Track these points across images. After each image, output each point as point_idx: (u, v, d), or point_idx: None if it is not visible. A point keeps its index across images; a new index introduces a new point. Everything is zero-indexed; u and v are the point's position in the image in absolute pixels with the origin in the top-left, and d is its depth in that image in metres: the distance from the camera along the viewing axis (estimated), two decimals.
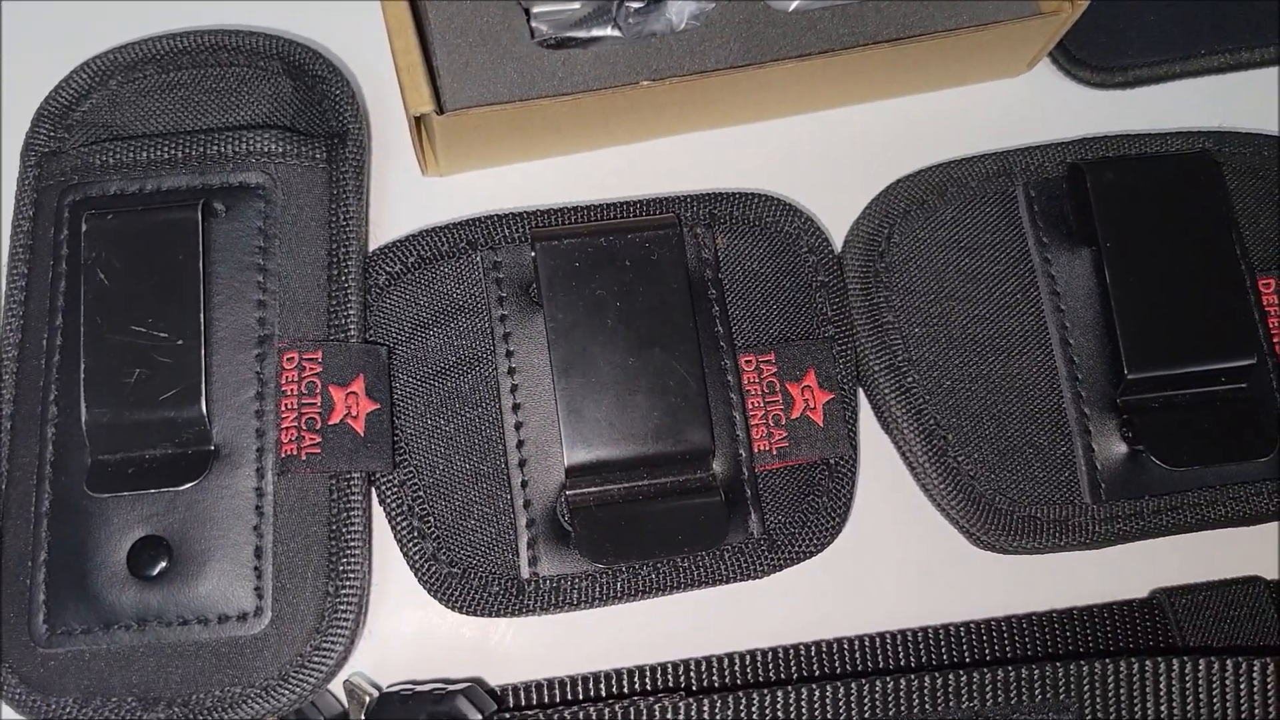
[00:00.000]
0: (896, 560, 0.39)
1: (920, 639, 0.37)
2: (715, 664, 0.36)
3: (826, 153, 0.42)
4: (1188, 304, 0.38)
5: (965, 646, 0.37)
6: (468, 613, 0.35)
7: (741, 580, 0.36)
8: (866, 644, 0.37)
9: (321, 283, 0.36)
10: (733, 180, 0.41)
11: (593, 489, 0.35)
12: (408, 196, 0.40)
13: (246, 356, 0.34)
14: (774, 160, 0.42)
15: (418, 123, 0.38)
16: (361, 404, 0.35)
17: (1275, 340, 0.39)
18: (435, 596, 0.35)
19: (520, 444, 0.36)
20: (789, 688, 0.33)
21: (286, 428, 0.34)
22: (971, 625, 0.38)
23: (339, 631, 0.33)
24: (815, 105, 0.42)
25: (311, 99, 0.38)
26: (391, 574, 0.37)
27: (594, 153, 0.42)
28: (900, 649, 0.37)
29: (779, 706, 0.32)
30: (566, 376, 0.35)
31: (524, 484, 0.36)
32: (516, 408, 0.36)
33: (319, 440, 0.34)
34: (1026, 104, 0.44)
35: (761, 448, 0.36)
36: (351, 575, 0.34)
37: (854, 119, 0.43)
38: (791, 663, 0.36)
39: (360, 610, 0.34)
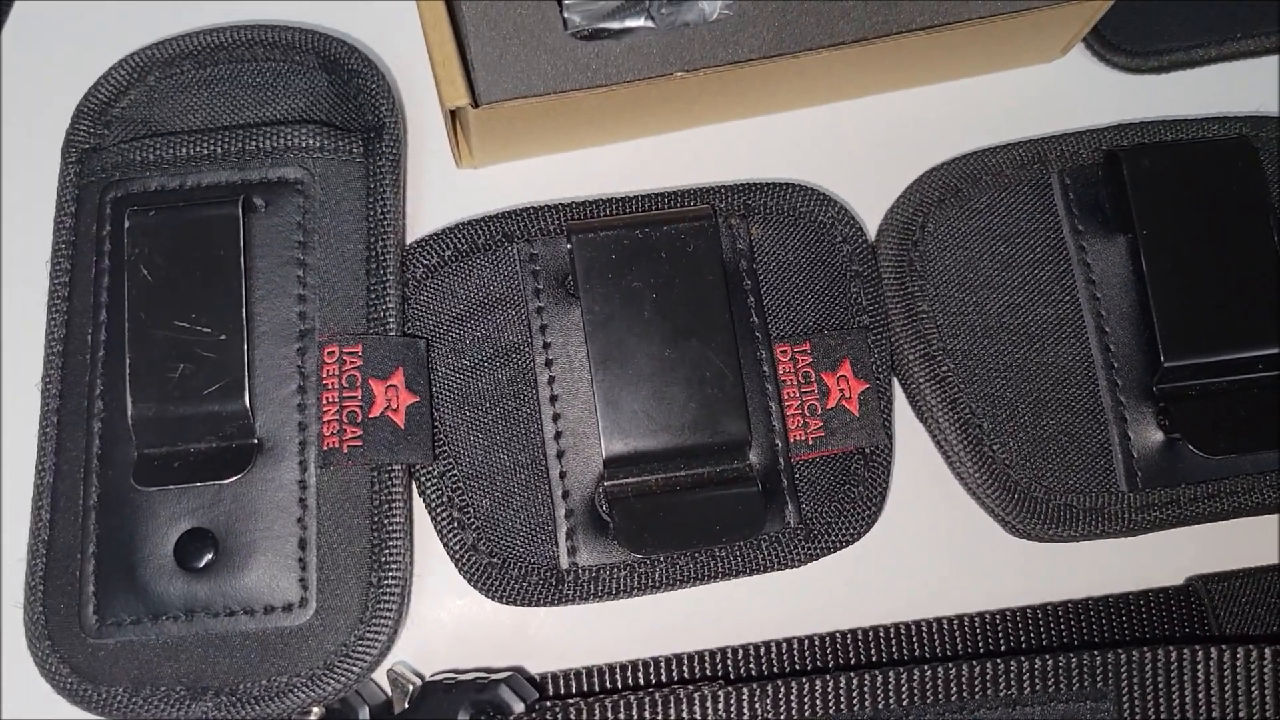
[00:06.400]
0: (933, 549, 0.39)
1: (957, 627, 0.38)
2: (753, 652, 0.37)
3: (860, 141, 0.42)
4: (1225, 291, 0.38)
5: (1002, 634, 0.38)
6: (507, 602, 0.35)
7: (779, 569, 0.36)
8: (904, 632, 0.37)
9: (360, 276, 0.36)
10: (767, 170, 0.41)
11: (630, 480, 0.35)
12: (443, 189, 0.41)
13: (288, 350, 0.35)
14: (808, 149, 0.42)
15: (453, 116, 0.38)
16: (401, 397, 0.35)
17: None
18: (475, 586, 0.35)
19: (558, 435, 0.36)
20: (827, 676, 0.33)
21: (328, 421, 0.34)
22: (1008, 613, 0.38)
23: (383, 621, 0.34)
24: (849, 94, 0.42)
25: (347, 93, 0.38)
26: (433, 564, 0.37)
27: (628, 144, 0.42)
28: (938, 637, 0.37)
29: (817, 695, 0.33)
30: (604, 368, 0.36)
31: (562, 475, 0.36)
32: (554, 399, 0.36)
33: (360, 433, 0.34)
34: (1061, 90, 0.44)
35: (798, 438, 0.37)
36: (394, 566, 0.34)
37: (888, 107, 0.43)
38: (829, 651, 0.37)
39: (403, 600, 0.34)
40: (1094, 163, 0.40)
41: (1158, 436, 0.38)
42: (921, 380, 0.38)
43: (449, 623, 0.37)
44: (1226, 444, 0.37)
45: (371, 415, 0.35)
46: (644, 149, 0.42)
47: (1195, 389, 0.38)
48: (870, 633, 0.37)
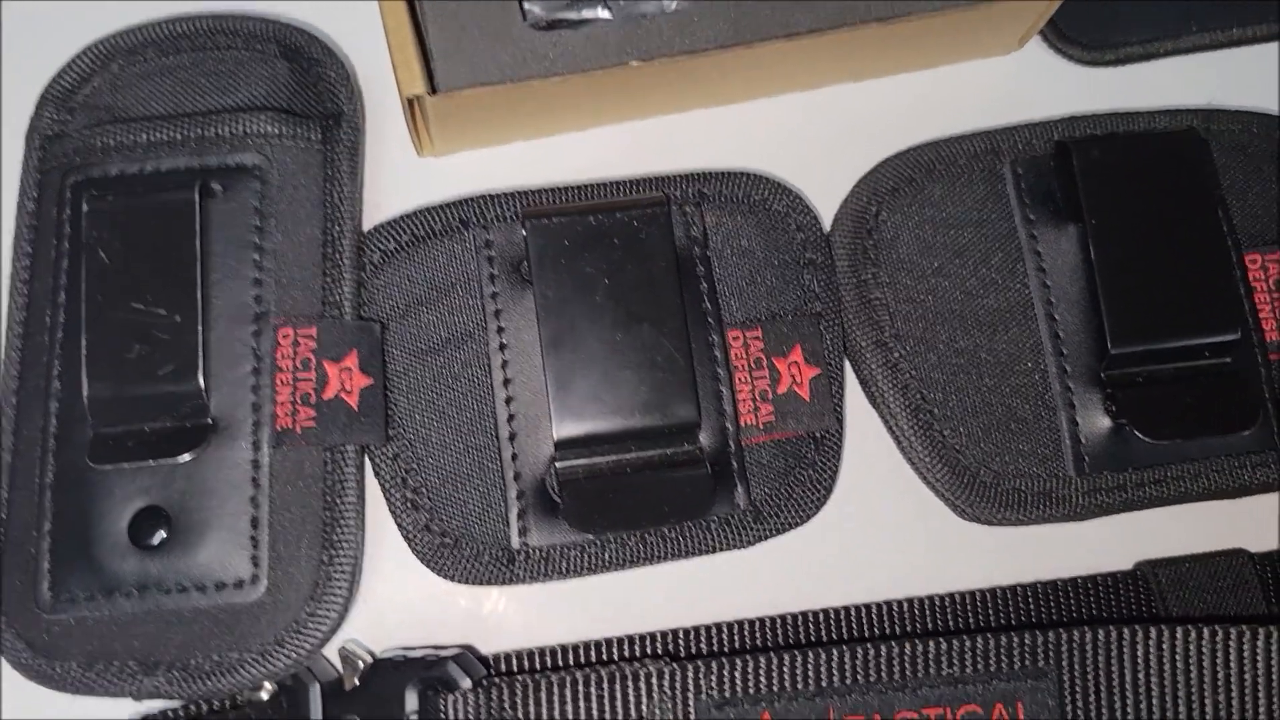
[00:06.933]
0: (883, 532, 0.39)
1: (905, 609, 0.38)
2: (703, 633, 0.37)
3: (817, 131, 0.43)
4: (1172, 279, 0.38)
5: (949, 617, 0.38)
6: (460, 581, 0.36)
7: (728, 550, 0.37)
8: (852, 614, 0.38)
9: (317, 261, 0.37)
10: (724, 159, 0.42)
11: (581, 461, 0.36)
12: (404, 177, 0.41)
13: (243, 332, 0.35)
14: (764, 139, 0.42)
15: (411, 104, 0.38)
16: (355, 379, 0.36)
17: (1261, 315, 0.39)
18: (428, 565, 0.36)
19: (511, 418, 0.37)
20: (770, 653, 0.33)
21: (282, 402, 0.35)
22: (956, 596, 0.38)
23: (333, 598, 0.34)
24: (805, 84, 0.43)
25: (307, 81, 0.39)
26: (387, 544, 0.37)
27: (588, 132, 0.42)
28: (886, 619, 0.38)
29: (760, 672, 0.33)
30: (555, 351, 0.36)
31: (514, 456, 0.36)
32: (508, 382, 0.37)
33: (314, 414, 0.35)
34: (1017, 82, 0.44)
35: (748, 421, 0.37)
36: (345, 545, 0.35)
37: (844, 97, 0.43)
38: (777, 632, 0.37)
39: (354, 578, 0.35)
40: (1046, 153, 0.40)
41: (1105, 422, 0.38)
42: (874, 366, 0.39)
43: (403, 602, 0.37)
44: (1171, 429, 0.38)
45: (325, 397, 0.35)
46: (604, 137, 0.42)
47: (1142, 376, 0.38)
48: (819, 615, 0.38)
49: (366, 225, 0.39)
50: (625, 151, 0.42)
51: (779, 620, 0.37)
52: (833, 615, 0.38)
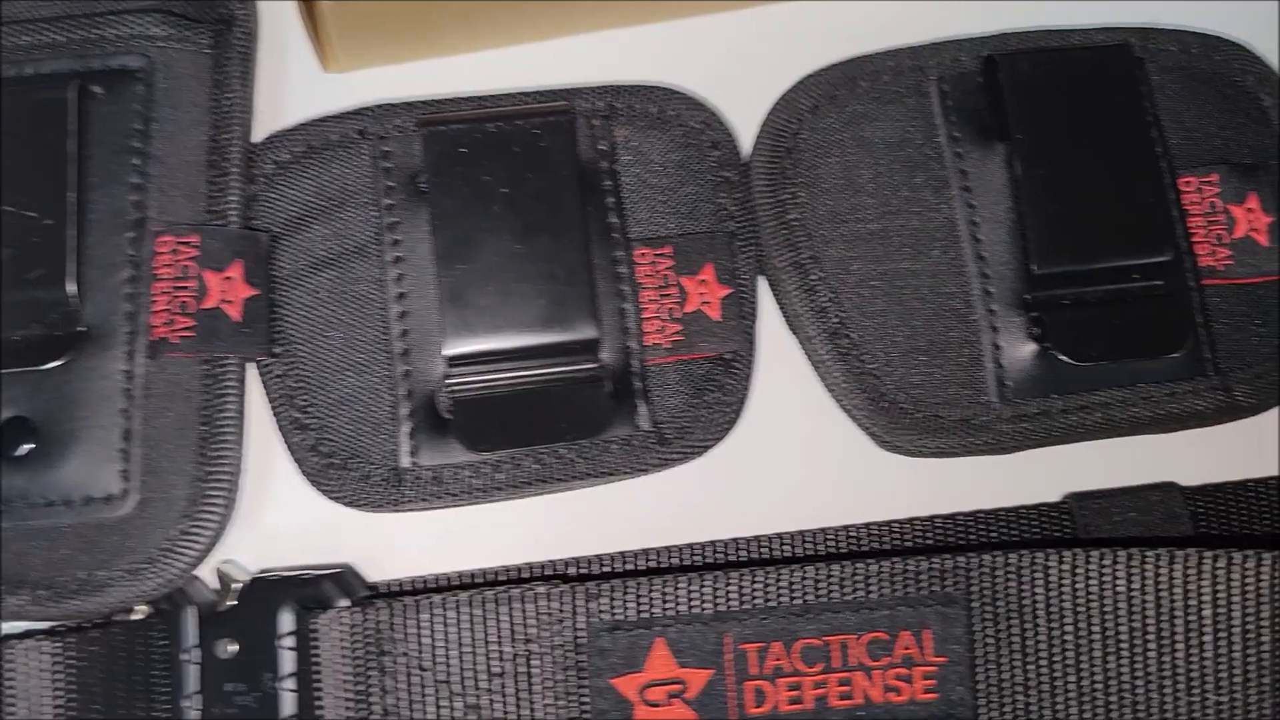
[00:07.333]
0: (798, 461, 0.38)
1: (817, 539, 0.37)
2: (605, 560, 0.36)
3: (743, 50, 0.41)
4: (1101, 200, 0.37)
5: (860, 546, 0.36)
6: (348, 504, 0.34)
7: (629, 474, 0.35)
8: (757, 543, 0.36)
9: (202, 168, 0.35)
10: (644, 78, 0.40)
11: (475, 380, 0.34)
12: (309, 91, 0.39)
13: (120, 239, 0.34)
14: (687, 58, 0.40)
15: (310, 12, 0.37)
16: (238, 289, 0.34)
17: (1195, 239, 0.38)
18: (316, 486, 0.35)
19: (405, 333, 0.35)
20: (666, 576, 0.32)
21: (158, 311, 0.33)
22: (872, 526, 0.37)
23: (209, 516, 0.33)
24: (729, 3, 0.41)
25: None
26: (279, 465, 0.36)
27: (505, 50, 0.41)
28: (792, 548, 0.36)
29: (654, 592, 0.32)
30: (449, 265, 0.35)
31: (407, 374, 0.35)
32: (401, 297, 0.35)
33: (192, 324, 0.33)
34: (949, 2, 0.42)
35: (654, 340, 0.36)
36: (224, 460, 0.33)
37: (773, 15, 0.41)
38: (679, 561, 0.36)
39: (232, 495, 0.33)
40: (975, 70, 0.39)
41: (1030, 346, 0.37)
42: (791, 288, 0.37)
43: (293, 525, 0.36)
44: (1097, 351, 0.36)
45: (204, 306, 0.34)
46: (522, 55, 0.41)
47: (1069, 298, 0.37)
48: (724, 544, 0.36)
49: None
50: (546, 68, 0.40)
51: (681, 549, 0.36)
52: (740, 544, 0.36)
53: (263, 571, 0.34)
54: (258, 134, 0.38)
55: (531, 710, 0.31)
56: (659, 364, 0.36)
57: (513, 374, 0.34)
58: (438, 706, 0.31)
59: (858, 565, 0.32)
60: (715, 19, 0.41)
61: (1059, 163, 0.37)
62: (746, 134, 0.39)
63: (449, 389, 0.34)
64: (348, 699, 0.31)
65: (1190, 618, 0.31)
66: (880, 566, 0.32)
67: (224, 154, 0.35)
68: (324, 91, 0.40)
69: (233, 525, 0.34)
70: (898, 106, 0.39)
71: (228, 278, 0.34)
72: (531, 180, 0.35)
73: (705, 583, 0.32)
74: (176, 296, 0.33)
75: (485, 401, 0.34)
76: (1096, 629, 0.32)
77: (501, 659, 0.31)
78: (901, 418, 0.36)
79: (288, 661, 0.32)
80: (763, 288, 0.38)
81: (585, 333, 0.34)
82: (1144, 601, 0.32)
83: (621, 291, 0.36)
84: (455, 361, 0.34)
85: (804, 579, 0.32)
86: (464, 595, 0.32)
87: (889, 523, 0.37)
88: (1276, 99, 0.40)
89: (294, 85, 0.40)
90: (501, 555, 0.36)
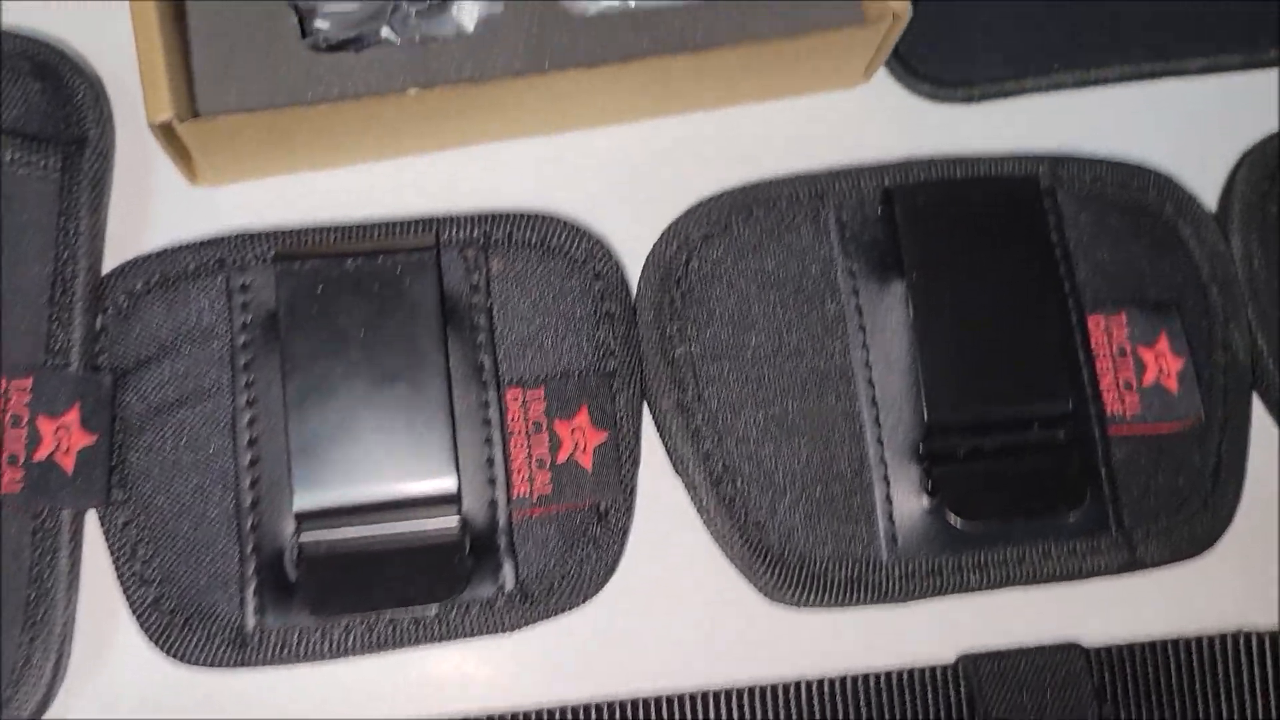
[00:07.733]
0: (683, 613, 0.36)
1: (699, 703, 0.34)
2: None
3: (633, 170, 0.39)
4: (999, 344, 0.35)
5: (751, 711, 0.34)
6: (190, 664, 0.32)
7: (488, 634, 0.33)
8: (639, 706, 0.34)
9: (42, 304, 0.33)
10: (526, 199, 0.38)
11: (325, 536, 0.32)
12: (176, 205, 0.37)
13: None
14: (572, 178, 0.39)
15: (167, 131, 0.35)
16: (74, 437, 0.32)
17: (1103, 384, 0.36)
18: (157, 645, 0.32)
19: (254, 483, 0.33)
20: None
21: None
22: (758, 689, 0.35)
23: (31, 684, 0.31)
24: (621, 117, 0.39)
25: (57, 102, 0.35)
26: (121, 618, 0.34)
27: (385, 164, 0.39)
28: (676, 711, 0.34)
29: None
30: (301, 412, 0.32)
31: (254, 527, 0.33)
32: (253, 443, 0.33)
33: (21, 475, 0.31)
34: (863, 117, 0.41)
35: (521, 492, 0.34)
36: (51, 623, 0.31)
37: (667, 132, 0.40)
38: None
39: (61, 660, 0.31)
40: (875, 199, 0.37)
41: (922, 500, 0.35)
42: (674, 430, 0.35)
43: (134, 685, 0.34)
44: (989, 509, 0.34)
45: (36, 458, 0.32)
46: (403, 169, 0.39)
47: (964, 449, 0.35)
48: (600, 708, 0.34)
49: None
50: (426, 185, 0.38)
51: (551, 714, 0.34)
52: (620, 707, 0.34)
53: None
54: (123, 251, 0.36)
55: None
56: (528, 517, 0.34)
57: (366, 531, 0.32)
58: None
59: None
60: (606, 132, 0.39)
61: (955, 304, 0.35)
62: (638, 257, 0.37)
63: (298, 545, 0.32)
64: None
65: None
66: None
67: (67, 288, 0.33)
68: (193, 205, 0.38)
69: (65, 687, 0.32)
70: (794, 237, 0.37)
71: (64, 425, 0.32)
72: (391, 321, 0.33)
73: None
74: (7, 446, 0.31)
75: (335, 560, 0.32)
76: None
77: None
78: (786, 573, 0.34)
79: None
80: (649, 424, 0.36)
81: (444, 485, 0.32)
82: None
83: (489, 438, 0.34)
84: (304, 517, 0.32)
85: None
86: None
87: (779, 684, 0.35)
88: (1195, 228, 0.38)
89: (161, 199, 0.38)
90: (356, 711, 0.34)
